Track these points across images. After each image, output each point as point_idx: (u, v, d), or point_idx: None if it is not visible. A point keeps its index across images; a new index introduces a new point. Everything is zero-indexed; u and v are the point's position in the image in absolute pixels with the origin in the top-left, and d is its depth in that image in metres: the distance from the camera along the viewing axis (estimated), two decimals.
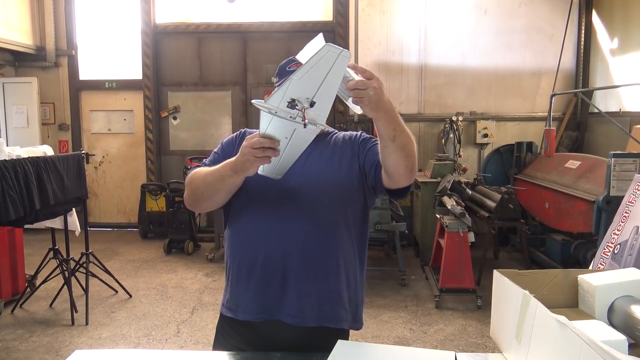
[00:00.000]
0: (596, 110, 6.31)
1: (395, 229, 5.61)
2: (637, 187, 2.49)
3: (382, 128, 1.50)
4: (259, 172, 1.56)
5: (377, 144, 1.66)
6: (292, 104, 1.36)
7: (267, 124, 1.43)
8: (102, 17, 8.09)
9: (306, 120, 1.37)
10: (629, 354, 1.23)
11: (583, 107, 7.44)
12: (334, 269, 1.74)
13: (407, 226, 5.89)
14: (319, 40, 1.41)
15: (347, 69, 1.40)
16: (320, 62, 1.28)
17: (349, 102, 1.44)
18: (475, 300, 4.84)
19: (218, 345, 1.83)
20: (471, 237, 4.92)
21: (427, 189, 6.12)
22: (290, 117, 1.39)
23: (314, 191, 1.72)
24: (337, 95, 1.39)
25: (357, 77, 1.39)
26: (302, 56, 1.49)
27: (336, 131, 1.92)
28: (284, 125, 1.43)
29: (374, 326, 4.44)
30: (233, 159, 1.58)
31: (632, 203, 2.47)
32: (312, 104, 1.37)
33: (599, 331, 1.29)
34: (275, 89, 1.37)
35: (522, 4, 7.48)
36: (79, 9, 8.10)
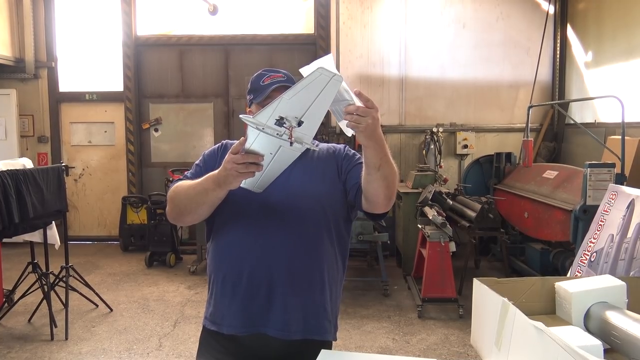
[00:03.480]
0: (572, 122, 6.45)
1: (378, 240, 5.65)
2: (611, 196, 2.56)
3: (370, 156, 1.54)
4: (241, 184, 1.56)
5: (361, 162, 1.68)
6: (280, 121, 1.38)
7: (254, 139, 1.44)
8: (83, 29, 8.05)
9: (293, 139, 1.40)
10: (604, 358, 1.27)
11: (560, 118, 7.60)
12: (319, 282, 1.75)
13: (389, 236, 5.92)
14: (328, 59, 1.43)
15: (351, 93, 1.42)
16: (312, 84, 1.30)
17: (342, 124, 1.47)
18: (457, 309, 4.88)
19: (201, 358, 1.81)
20: (452, 246, 4.97)
21: (408, 200, 6.17)
22: (277, 134, 1.41)
23: (298, 204, 1.73)
24: (329, 112, 1.41)
25: (359, 103, 1.42)
26: (306, 70, 1.49)
27: (318, 143, 1.92)
28: (270, 142, 1.44)
29: (357, 336, 4.45)
30: (216, 172, 1.56)
31: (607, 212, 2.54)
32: (300, 123, 1.39)
33: (576, 337, 1.33)
34: (265, 106, 1.38)
35: (500, 18, 7.65)
36: (59, 21, 8.04)
